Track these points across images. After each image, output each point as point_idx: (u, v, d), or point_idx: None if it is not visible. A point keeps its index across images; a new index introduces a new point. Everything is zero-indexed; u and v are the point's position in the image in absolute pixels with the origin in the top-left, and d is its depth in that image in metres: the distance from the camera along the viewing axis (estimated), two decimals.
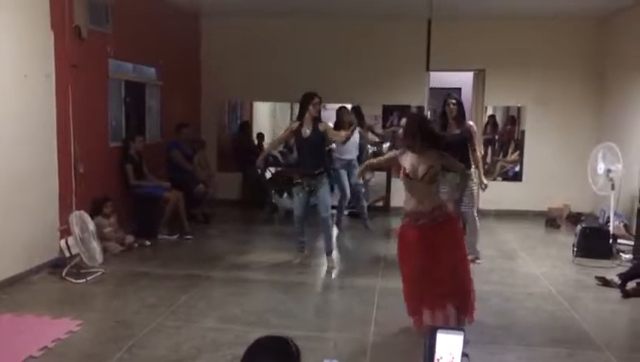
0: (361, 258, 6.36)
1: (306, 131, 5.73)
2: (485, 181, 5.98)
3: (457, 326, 2.20)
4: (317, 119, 5.75)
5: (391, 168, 7.24)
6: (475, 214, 6.00)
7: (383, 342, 3.99)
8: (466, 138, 5.77)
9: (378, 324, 4.27)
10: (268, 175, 9.45)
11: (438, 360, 2.12)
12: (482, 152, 8.66)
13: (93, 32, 6.04)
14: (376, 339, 4.00)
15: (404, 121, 4.09)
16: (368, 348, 3.85)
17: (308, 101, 5.69)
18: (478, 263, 5.90)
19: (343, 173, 7.37)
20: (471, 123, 6.00)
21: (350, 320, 4.40)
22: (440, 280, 3.88)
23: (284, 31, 8.94)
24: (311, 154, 5.70)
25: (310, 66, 8.87)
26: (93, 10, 6.03)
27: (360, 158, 7.50)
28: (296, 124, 5.81)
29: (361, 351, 3.80)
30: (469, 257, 5.32)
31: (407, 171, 3.99)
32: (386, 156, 4.58)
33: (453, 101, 5.82)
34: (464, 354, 2.16)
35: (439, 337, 2.13)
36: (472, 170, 5.84)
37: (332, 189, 6.68)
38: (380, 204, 9.10)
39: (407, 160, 4.03)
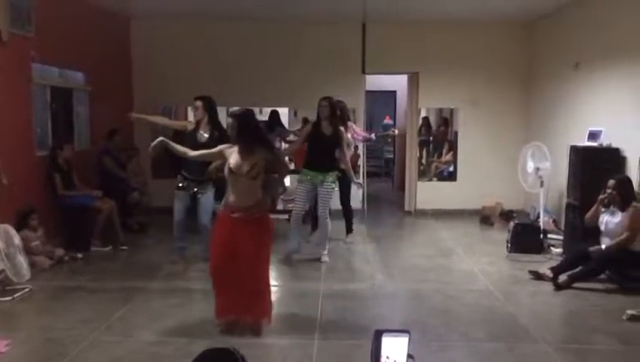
0: (301, 263, 6.29)
1: (203, 135, 5.56)
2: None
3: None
4: (216, 126, 5.60)
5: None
6: (328, 217, 6.17)
7: (329, 346, 3.97)
8: (336, 139, 6.00)
9: (322, 329, 4.25)
10: None
11: None
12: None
13: (14, 35, 5.74)
14: (321, 344, 3.97)
15: (229, 120, 3.96)
16: (314, 354, 3.82)
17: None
18: (324, 261, 6.16)
19: None
20: (342, 128, 6.15)
21: (294, 325, 4.36)
22: (238, 279, 4.02)
23: (220, 34, 8.80)
24: (201, 160, 4.97)
25: (245, 70, 8.78)
26: (14, 12, 5.74)
27: None
28: (192, 126, 5.68)
29: (306, 357, 3.77)
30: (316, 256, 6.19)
31: (231, 166, 4.05)
32: (214, 149, 4.49)
33: (325, 103, 6.03)
34: (409, 356, 2.15)
35: (384, 340, 2.12)
36: (335, 174, 6.11)
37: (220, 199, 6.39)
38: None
39: (234, 155, 4.09)
